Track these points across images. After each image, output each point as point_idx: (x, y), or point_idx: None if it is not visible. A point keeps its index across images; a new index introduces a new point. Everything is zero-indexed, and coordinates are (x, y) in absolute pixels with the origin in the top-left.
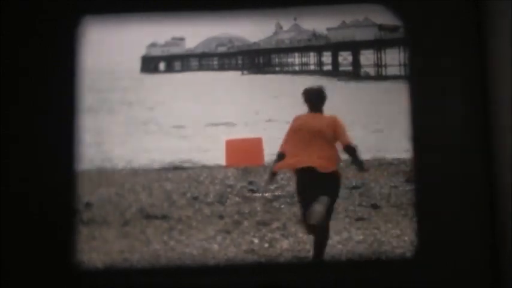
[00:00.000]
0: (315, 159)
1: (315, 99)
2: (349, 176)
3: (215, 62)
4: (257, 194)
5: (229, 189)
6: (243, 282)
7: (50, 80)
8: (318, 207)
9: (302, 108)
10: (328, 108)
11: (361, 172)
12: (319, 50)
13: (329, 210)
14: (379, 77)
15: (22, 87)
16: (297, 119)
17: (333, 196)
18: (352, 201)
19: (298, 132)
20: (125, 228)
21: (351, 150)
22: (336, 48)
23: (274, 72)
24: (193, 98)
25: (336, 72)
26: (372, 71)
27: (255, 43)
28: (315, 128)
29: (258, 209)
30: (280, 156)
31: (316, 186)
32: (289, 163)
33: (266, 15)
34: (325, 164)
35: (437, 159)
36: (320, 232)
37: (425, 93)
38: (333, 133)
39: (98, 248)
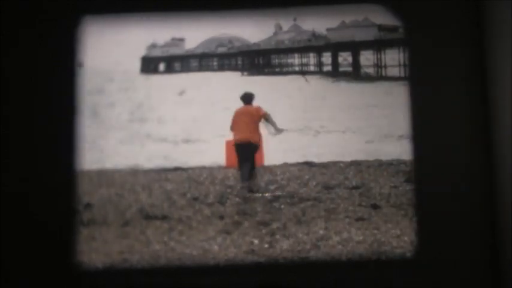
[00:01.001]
0: (251, 134)
1: (247, 98)
2: (349, 177)
3: (215, 63)
4: (257, 195)
5: (229, 190)
6: (243, 282)
7: (50, 80)
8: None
9: (301, 109)
10: (329, 109)
11: (277, 132)
12: (318, 50)
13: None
14: (379, 78)
15: (22, 87)
16: (240, 109)
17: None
18: (352, 201)
19: (241, 117)
20: (125, 229)
21: (266, 115)
22: (335, 48)
23: (274, 73)
24: (193, 99)
25: (335, 73)
26: (371, 72)
27: (254, 44)
28: (251, 113)
29: (258, 209)
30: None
31: (249, 154)
32: (237, 138)
33: (266, 16)
34: (256, 138)
35: (437, 159)
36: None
37: (425, 93)
38: (258, 115)
39: (98, 248)
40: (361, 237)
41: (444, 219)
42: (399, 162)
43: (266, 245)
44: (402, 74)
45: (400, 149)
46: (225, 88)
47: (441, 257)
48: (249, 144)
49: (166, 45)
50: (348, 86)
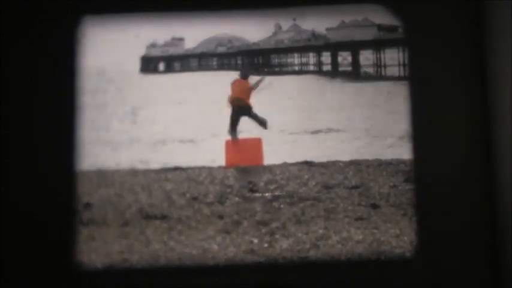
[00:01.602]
0: (247, 99)
1: (245, 72)
2: (349, 176)
3: (214, 62)
4: (257, 194)
5: (228, 190)
6: (243, 282)
7: (50, 80)
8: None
9: (300, 109)
10: (328, 108)
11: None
12: (318, 50)
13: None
14: (379, 77)
15: (22, 87)
16: (236, 81)
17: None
18: (352, 201)
19: (237, 87)
20: (125, 229)
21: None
22: (335, 48)
23: (274, 72)
24: (192, 99)
25: (335, 72)
26: (371, 71)
27: (254, 43)
28: (245, 86)
29: (258, 209)
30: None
31: (242, 113)
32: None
33: (266, 15)
34: (248, 100)
35: (437, 159)
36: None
37: (425, 93)
38: (248, 87)
39: (98, 248)
40: (360, 237)
41: (444, 219)
42: (399, 161)
43: (266, 245)
44: (402, 74)
45: (400, 149)
46: (225, 87)
47: (441, 257)
48: (248, 105)
49: (166, 44)
50: (347, 85)
